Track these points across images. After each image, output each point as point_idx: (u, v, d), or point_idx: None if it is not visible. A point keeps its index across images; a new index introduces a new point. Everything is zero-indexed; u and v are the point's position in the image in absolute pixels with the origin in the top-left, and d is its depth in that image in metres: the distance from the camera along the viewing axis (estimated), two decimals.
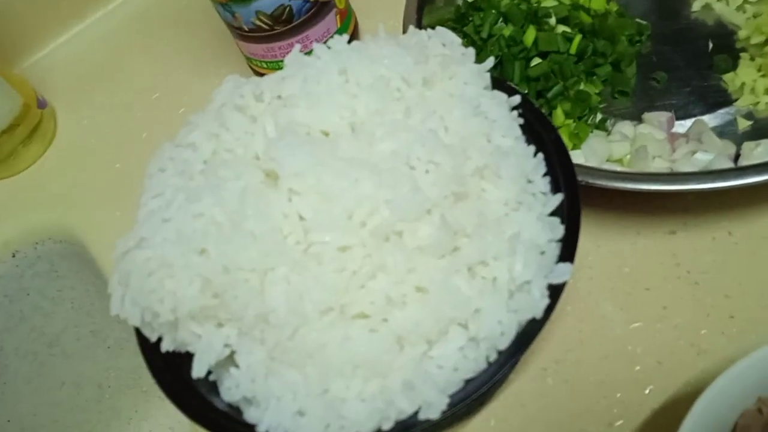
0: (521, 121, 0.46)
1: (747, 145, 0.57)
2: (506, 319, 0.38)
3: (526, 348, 0.37)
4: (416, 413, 0.36)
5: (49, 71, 0.88)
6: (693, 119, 0.61)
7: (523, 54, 0.65)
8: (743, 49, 0.65)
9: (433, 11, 0.70)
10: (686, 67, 0.66)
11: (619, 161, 0.59)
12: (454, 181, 0.40)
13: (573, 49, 0.64)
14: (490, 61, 0.48)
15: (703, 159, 0.56)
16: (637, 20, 0.69)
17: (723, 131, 0.60)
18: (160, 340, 0.42)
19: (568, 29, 0.67)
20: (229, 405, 0.42)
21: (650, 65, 0.67)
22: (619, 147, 0.59)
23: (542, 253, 0.40)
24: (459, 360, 0.38)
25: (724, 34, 0.67)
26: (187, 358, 0.41)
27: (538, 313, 0.38)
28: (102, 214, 0.74)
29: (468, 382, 0.37)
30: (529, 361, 0.50)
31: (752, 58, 0.64)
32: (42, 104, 0.81)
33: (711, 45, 0.66)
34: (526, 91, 0.62)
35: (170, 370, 0.42)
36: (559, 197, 0.42)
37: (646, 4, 0.71)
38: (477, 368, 0.37)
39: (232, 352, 0.40)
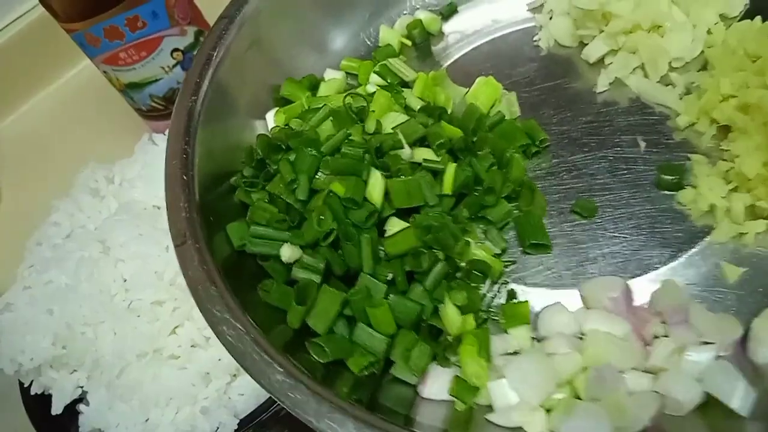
0: None
1: (760, 324, 0.35)
2: None
3: None
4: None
5: None
6: (654, 273, 0.40)
7: (372, 220, 0.41)
8: (689, 147, 0.44)
9: (212, 156, 0.45)
10: (618, 186, 0.44)
11: (568, 387, 0.38)
12: None
13: (447, 188, 0.42)
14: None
15: (700, 360, 0.35)
16: (528, 121, 0.48)
17: (705, 290, 0.39)
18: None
19: (431, 154, 0.44)
20: None
21: (564, 191, 0.45)
22: (564, 363, 0.37)
23: None
24: (256, 387, 0.46)
25: (653, 123, 0.46)
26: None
27: None
28: None
29: (260, 405, 0.46)
30: None
31: (710, 161, 0.42)
32: None
33: (643, 144, 0.45)
34: (389, 278, 0.40)
35: (40, 409, 0.51)
36: None
37: (532, 97, 0.50)
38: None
39: (85, 392, 0.49)
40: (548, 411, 0.37)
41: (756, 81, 0.43)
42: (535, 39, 0.55)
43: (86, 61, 1.01)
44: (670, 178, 0.43)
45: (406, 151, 0.44)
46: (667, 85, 0.48)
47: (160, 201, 0.52)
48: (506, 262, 0.44)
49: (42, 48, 1.00)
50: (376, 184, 0.41)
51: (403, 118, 0.46)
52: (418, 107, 0.48)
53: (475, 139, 0.46)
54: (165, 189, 0.42)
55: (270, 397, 0.46)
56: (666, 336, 0.38)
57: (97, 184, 0.54)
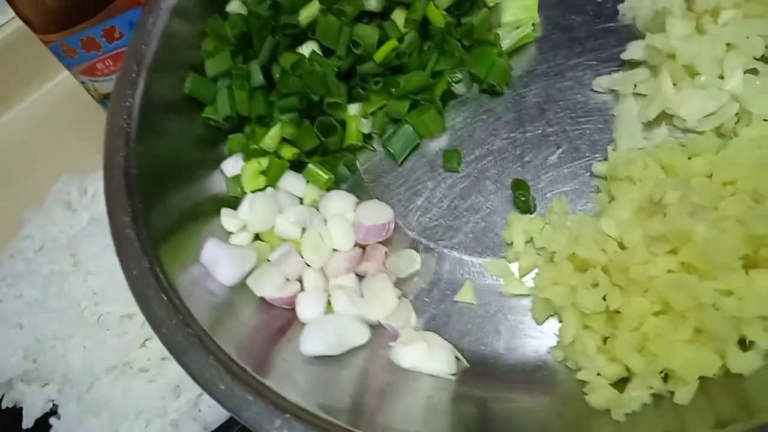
0: None
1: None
2: None
3: None
4: None
5: None
6: (444, 250, 0.42)
7: (288, 31, 0.45)
8: (579, 191, 0.41)
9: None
10: (500, 165, 0.43)
11: (269, 241, 0.44)
12: None
13: (379, 55, 0.44)
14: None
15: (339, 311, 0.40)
16: (503, 60, 0.45)
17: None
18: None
19: (400, 20, 0.45)
20: None
21: (463, 135, 0.45)
22: (283, 226, 0.43)
23: None
24: None
25: (587, 151, 0.42)
26: None
27: None
28: None
29: (230, 417, 0.46)
30: None
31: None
32: None
33: (557, 153, 0.43)
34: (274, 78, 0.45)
35: (12, 423, 0.51)
36: None
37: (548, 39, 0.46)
38: None
39: (56, 406, 0.49)
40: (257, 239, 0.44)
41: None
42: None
43: (64, 73, 1.00)
44: (519, 193, 0.41)
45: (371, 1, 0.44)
46: (649, 130, 0.40)
47: None
48: (367, 145, 0.47)
49: (19, 60, 0.99)
50: (310, 9, 0.44)
51: None
52: None
53: (448, 39, 0.45)
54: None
55: None
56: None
57: (69, 197, 0.54)
